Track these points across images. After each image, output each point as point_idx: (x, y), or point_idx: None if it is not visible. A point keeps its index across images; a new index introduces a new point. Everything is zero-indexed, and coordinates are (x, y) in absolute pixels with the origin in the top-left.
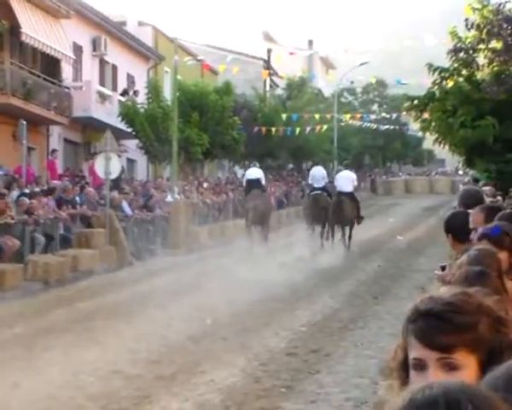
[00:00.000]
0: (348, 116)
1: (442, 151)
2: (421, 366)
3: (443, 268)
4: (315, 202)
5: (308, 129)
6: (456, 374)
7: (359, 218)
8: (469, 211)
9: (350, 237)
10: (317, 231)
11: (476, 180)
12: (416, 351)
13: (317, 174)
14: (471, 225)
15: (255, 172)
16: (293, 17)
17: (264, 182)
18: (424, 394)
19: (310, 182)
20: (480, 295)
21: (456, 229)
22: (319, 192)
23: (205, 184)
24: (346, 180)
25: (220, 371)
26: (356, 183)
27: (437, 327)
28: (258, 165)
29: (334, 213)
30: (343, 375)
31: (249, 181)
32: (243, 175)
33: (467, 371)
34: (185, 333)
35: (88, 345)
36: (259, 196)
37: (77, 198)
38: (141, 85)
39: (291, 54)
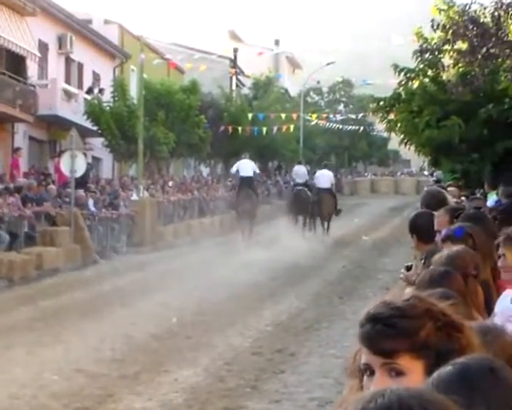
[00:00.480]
0: (314, 116)
1: (408, 152)
2: (369, 371)
3: (408, 268)
4: (297, 196)
5: (275, 129)
6: (402, 379)
7: (337, 211)
8: (434, 212)
9: (328, 227)
10: (289, 223)
11: (438, 181)
12: (364, 356)
13: (300, 171)
14: (436, 227)
15: (248, 167)
16: (260, 16)
17: (257, 171)
18: (376, 402)
19: (293, 177)
20: (432, 299)
21: (421, 230)
22: (301, 188)
23: (170, 183)
24: (325, 178)
25: (184, 371)
26: (334, 180)
27: (380, 332)
28: (248, 155)
29: (316, 207)
30: (307, 375)
31: (243, 179)
32: (235, 168)
33: (412, 376)
34: (149, 332)
35: (52, 344)
36: (249, 196)
37: (43, 196)
38: (107, 84)
39: (259, 54)
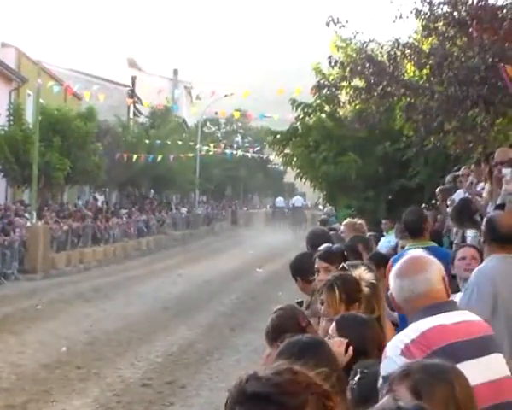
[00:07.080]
0: (212, 146)
1: (303, 185)
2: None
3: (299, 304)
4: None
5: (172, 157)
6: None
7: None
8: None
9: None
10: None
11: (324, 222)
12: None
13: (298, 199)
14: None
15: (299, 200)
16: (159, 46)
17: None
18: None
19: (293, 202)
20: (306, 373)
21: (304, 271)
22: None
23: (64, 210)
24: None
25: (73, 401)
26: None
27: None
28: (300, 193)
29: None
30: (197, 407)
31: (295, 206)
32: (292, 200)
33: None
34: (38, 361)
35: None
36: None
37: None
38: (2, 107)
39: (159, 92)
